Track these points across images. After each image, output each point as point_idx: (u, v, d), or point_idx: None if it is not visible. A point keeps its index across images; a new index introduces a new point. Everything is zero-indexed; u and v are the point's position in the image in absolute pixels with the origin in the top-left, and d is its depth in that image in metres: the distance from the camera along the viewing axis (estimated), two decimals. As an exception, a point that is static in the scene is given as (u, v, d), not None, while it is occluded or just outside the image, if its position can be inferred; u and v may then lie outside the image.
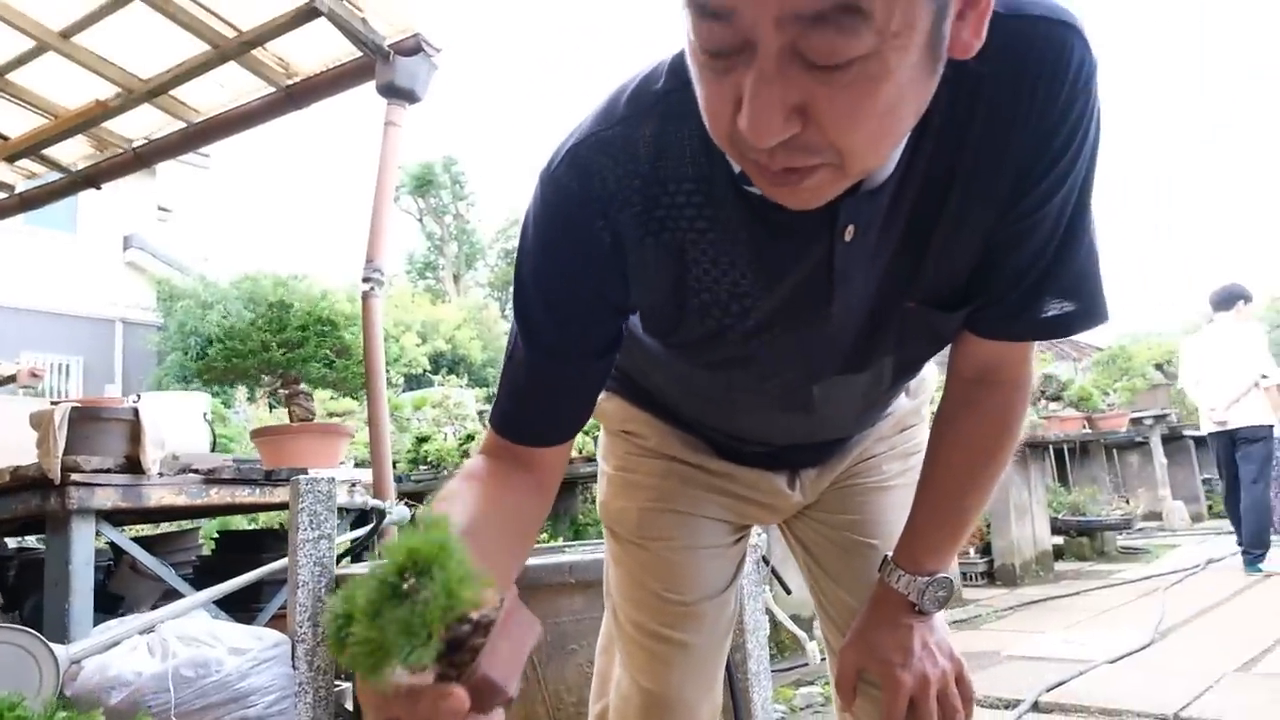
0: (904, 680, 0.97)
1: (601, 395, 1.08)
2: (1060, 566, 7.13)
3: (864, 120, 0.60)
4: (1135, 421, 9.28)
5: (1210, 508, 10.80)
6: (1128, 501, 8.54)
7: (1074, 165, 0.77)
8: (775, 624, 2.91)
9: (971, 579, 6.54)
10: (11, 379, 8.86)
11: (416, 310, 19.13)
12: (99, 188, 4.17)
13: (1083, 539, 7.91)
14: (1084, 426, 8.10)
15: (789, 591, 4.20)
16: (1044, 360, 9.87)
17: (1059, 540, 7.78)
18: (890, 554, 1.02)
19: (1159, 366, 10.60)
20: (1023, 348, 0.93)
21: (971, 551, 6.79)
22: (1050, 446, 8.62)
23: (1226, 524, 7.05)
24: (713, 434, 1.12)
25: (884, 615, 1.01)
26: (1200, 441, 11.07)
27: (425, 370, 16.69)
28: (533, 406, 0.88)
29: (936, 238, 0.80)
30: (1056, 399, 7.97)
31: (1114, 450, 10.15)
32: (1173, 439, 10.33)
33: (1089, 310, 0.85)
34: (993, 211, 0.79)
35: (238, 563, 3.28)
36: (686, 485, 1.15)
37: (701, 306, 0.84)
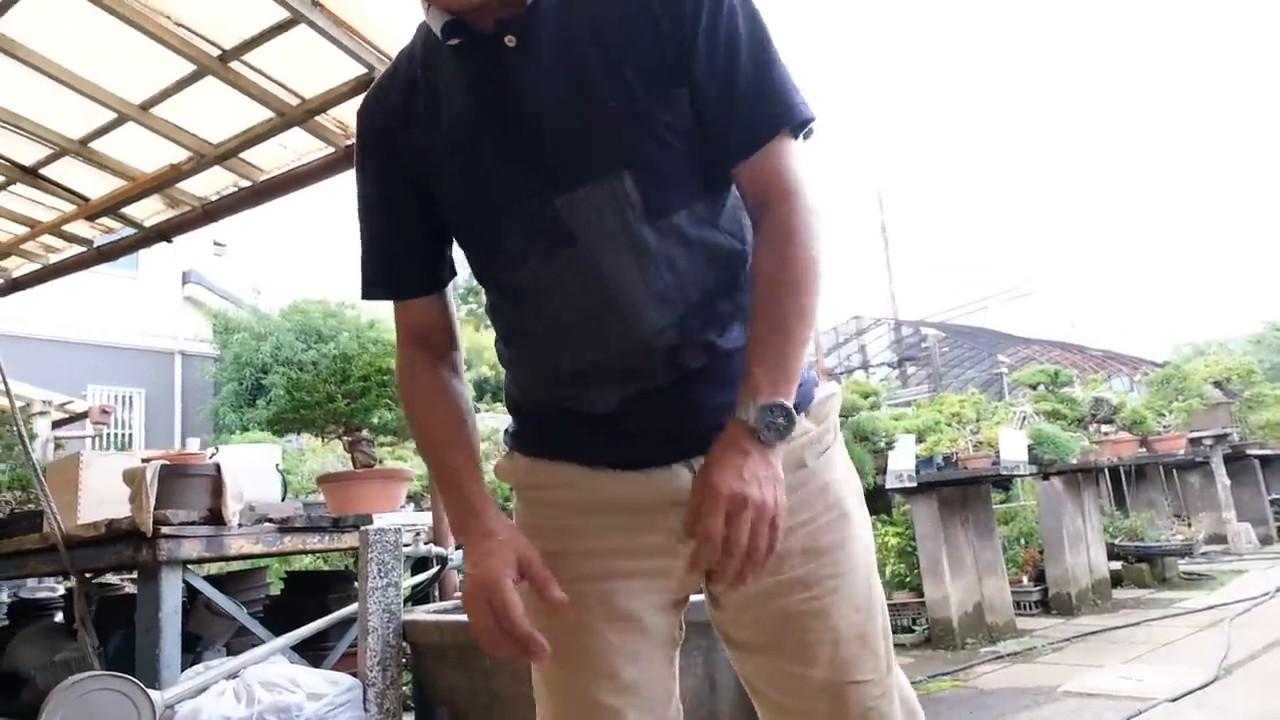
0: (722, 491, 0.96)
1: (502, 455, 1.25)
2: (1119, 594, 7.00)
3: None
4: (1194, 442, 9.05)
5: (1280, 529, 10.48)
6: (1189, 525, 8.34)
7: (719, 16, 1.03)
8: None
9: (1025, 608, 6.46)
10: (84, 415, 9.26)
11: (463, 338, 19.42)
12: (170, 241, 4.38)
13: (1142, 565, 7.74)
14: (1139, 449, 7.95)
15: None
16: (1094, 383, 9.71)
17: (1117, 566, 7.63)
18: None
19: (1218, 384, 10.34)
20: (771, 160, 1.06)
21: (1025, 579, 6.71)
22: (1105, 471, 8.48)
23: (1295, 547, 6.87)
24: (574, 410, 1.13)
25: (726, 443, 1.01)
26: (1267, 461, 10.76)
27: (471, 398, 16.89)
28: (382, 266, 1.20)
29: (606, 55, 1.02)
30: (1109, 421, 7.85)
31: (1173, 472, 9.90)
32: (1236, 458, 10.02)
33: (787, 107, 1.06)
34: (659, 52, 1.03)
35: (306, 603, 3.42)
36: (577, 539, 1.14)
37: (449, 151, 1.09)
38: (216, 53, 3.04)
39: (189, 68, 3.10)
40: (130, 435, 15.66)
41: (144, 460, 2.64)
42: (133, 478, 2.56)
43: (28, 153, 3.76)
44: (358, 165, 1.20)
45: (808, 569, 1.10)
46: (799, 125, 1.07)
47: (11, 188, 3.99)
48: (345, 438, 3.29)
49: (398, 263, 1.19)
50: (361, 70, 3.05)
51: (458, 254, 1.24)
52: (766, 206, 1.07)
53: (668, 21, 1.03)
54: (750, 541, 0.95)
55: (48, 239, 4.52)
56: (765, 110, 1.05)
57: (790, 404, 1.00)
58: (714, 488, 0.97)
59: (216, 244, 18.47)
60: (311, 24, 2.80)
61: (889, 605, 5.00)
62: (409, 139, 1.12)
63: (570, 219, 1.03)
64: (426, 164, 1.12)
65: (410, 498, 4.52)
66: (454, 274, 1.24)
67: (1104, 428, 7.79)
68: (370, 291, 1.21)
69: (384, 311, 14.97)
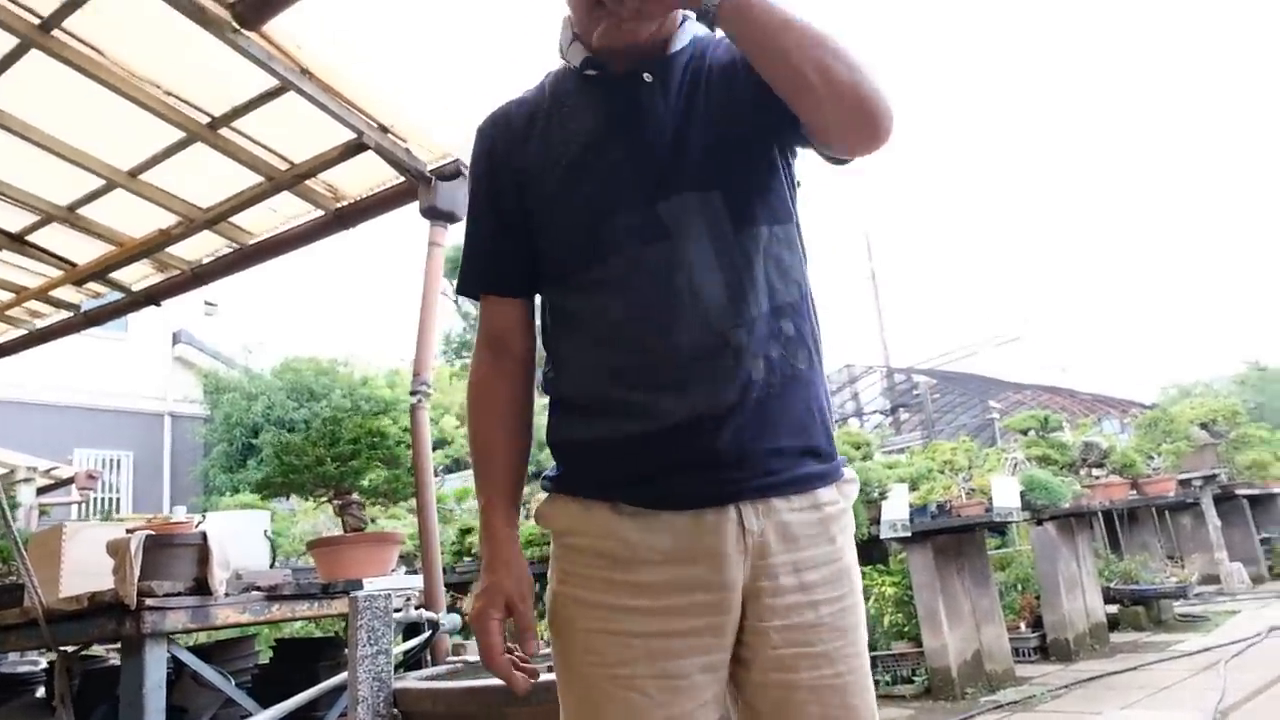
0: None
1: (543, 500, 1.28)
2: (1116, 638, 6.96)
3: None
4: (1184, 484, 9.08)
5: (1271, 568, 10.43)
6: (1182, 566, 8.32)
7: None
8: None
9: (1024, 655, 6.40)
10: (69, 481, 9.15)
11: (455, 392, 19.38)
12: (159, 304, 4.37)
13: (1138, 608, 7.71)
14: (1130, 492, 7.97)
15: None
16: (1083, 427, 9.75)
17: (1113, 610, 7.59)
18: None
19: (1204, 426, 10.39)
20: None
21: (1023, 626, 6.66)
22: (1098, 514, 8.48)
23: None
24: (627, 433, 1.16)
25: None
26: (1256, 500, 10.79)
27: (464, 456, 16.79)
28: (482, 261, 1.33)
29: (717, 103, 1.22)
30: (1099, 465, 7.87)
31: (1165, 513, 9.92)
32: (1225, 498, 10.06)
33: None
34: (727, 85, 1.23)
35: (295, 671, 3.35)
36: (624, 595, 1.14)
37: (566, 158, 1.24)
38: (206, 120, 3.07)
39: (178, 135, 3.13)
40: (118, 499, 15.46)
41: (128, 531, 2.60)
42: (116, 549, 2.52)
43: (15, 220, 3.78)
44: (471, 174, 1.37)
45: (835, 646, 1.16)
46: None
47: (-2, 255, 4.00)
48: (335, 501, 3.26)
49: (496, 261, 1.32)
50: (350, 135, 3.08)
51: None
52: None
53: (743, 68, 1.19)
54: None
55: (34, 304, 4.52)
56: None
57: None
58: None
59: (208, 304, 18.45)
60: (300, 91, 2.84)
61: (888, 656, 4.97)
62: (523, 153, 1.28)
63: (668, 217, 1.17)
64: (541, 172, 1.26)
65: (403, 558, 4.46)
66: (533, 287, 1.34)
67: (1095, 471, 7.81)
68: (469, 285, 1.34)
69: (375, 367, 14.96)
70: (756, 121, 1.21)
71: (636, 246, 1.17)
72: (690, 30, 1.28)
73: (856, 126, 1.11)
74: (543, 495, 1.28)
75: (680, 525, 1.13)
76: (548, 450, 1.29)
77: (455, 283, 1.40)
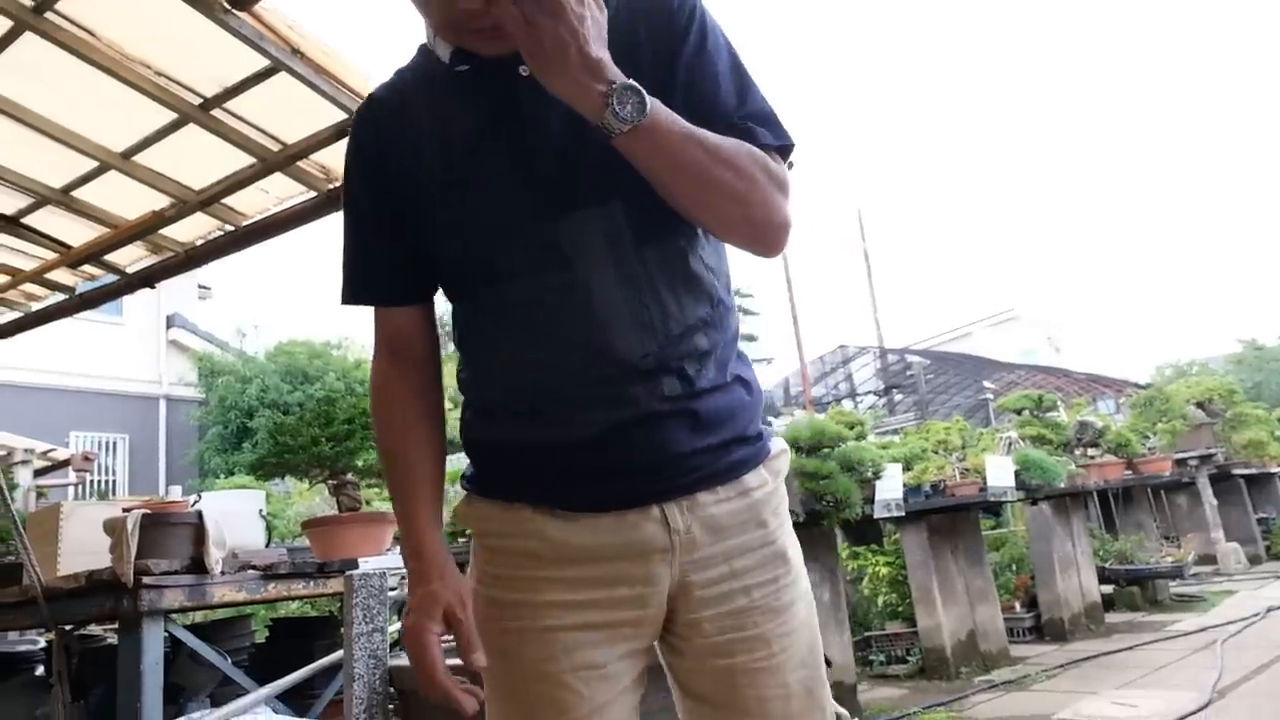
0: None
1: (462, 500, 1.24)
2: (1111, 618, 7.00)
3: None
4: (1179, 463, 9.11)
5: (1269, 548, 10.48)
6: (1178, 546, 8.37)
7: (703, 50, 1.10)
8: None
9: (1018, 635, 6.45)
10: (66, 464, 9.17)
11: (447, 377, 19.35)
12: (153, 287, 4.34)
13: (1133, 588, 7.76)
14: (1126, 471, 8.00)
15: (830, 664, 4.20)
16: (1078, 406, 9.77)
17: (1108, 590, 7.63)
18: None
19: (1200, 405, 10.43)
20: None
21: (1017, 606, 6.70)
22: (1093, 494, 8.52)
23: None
24: (544, 439, 1.12)
25: None
26: (1252, 480, 10.83)
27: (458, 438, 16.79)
28: (366, 271, 1.22)
29: None
30: (1094, 445, 7.89)
31: (1160, 493, 9.96)
32: (1222, 478, 10.09)
33: (773, 128, 1.11)
34: (650, 73, 1.05)
35: (291, 651, 3.38)
36: (545, 592, 1.12)
37: (442, 160, 1.12)
38: (198, 101, 3.05)
39: (170, 116, 3.10)
40: (114, 482, 15.49)
41: (125, 510, 2.61)
42: (114, 528, 2.53)
43: (9, 203, 3.76)
44: (345, 174, 1.23)
45: (767, 627, 1.14)
46: (784, 149, 1.12)
47: (-8, 237, 3.98)
48: (330, 481, 3.27)
49: (384, 268, 1.21)
50: (342, 115, 3.06)
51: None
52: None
53: (660, 54, 1.10)
54: None
55: (29, 287, 4.50)
56: (755, 131, 1.10)
57: (648, 104, 0.97)
58: None
59: (201, 287, 18.43)
60: (292, 71, 2.82)
61: (882, 636, 5.00)
62: (399, 154, 1.15)
63: (566, 241, 1.07)
64: (418, 178, 1.14)
65: (397, 539, 4.47)
66: (437, 288, 1.23)
67: (1090, 451, 7.84)
68: (353, 296, 1.22)
69: (369, 350, 14.95)
70: None
71: (535, 274, 1.09)
72: None
73: (749, 245, 1.13)
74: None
75: (603, 525, 1.10)
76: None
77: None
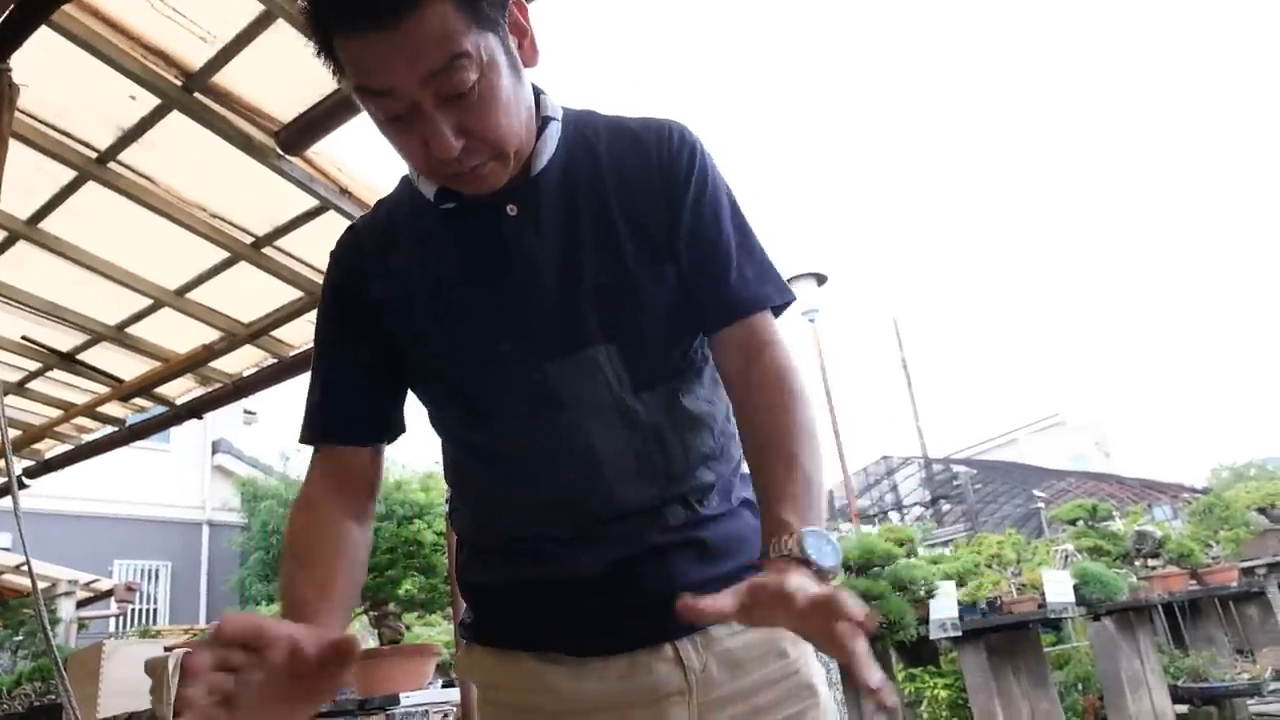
0: (828, 593, 0.82)
1: (461, 648, 1.20)
2: (1189, 741, 6.58)
3: (494, 119, 0.95)
4: (1246, 572, 8.72)
5: (1348, 661, 9.89)
6: (1254, 661, 7.92)
7: (703, 197, 1.10)
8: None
9: (1092, 763, 6.06)
10: (109, 594, 9.19)
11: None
12: (201, 418, 4.45)
13: (1210, 708, 7.30)
14: (1190, 582, 7.66)
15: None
16: (1134, 515, 9.46)
17: (1183, 710, 7.21)
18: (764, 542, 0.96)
19: (1262, 510, 10.04)
20: (750, 324, 1.11)
21: (1088, 731, 6.34)
22: (1158, 607, 8.14)
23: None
24: (546, 580, 1.08)
25: (777, 569, 0.89)
26: (1326, 587, 10.30)
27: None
28: (330, 406, 1.14)
29: (603, 229, 1.07)
30: (1155, 555, 7.59)
31: (1229, 604, 9.49)
32: (1293, 586, 9.63)
33: (774, 284, 1.13)
34: (651, 230, 1.08)
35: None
36: None
37: (428, 296, 1.09)
38: (250, 240, 3.19)
39: (223, 254, 3.24)
40: (155, 610, 15.45)
41: (166, 649, 2.59)
42: (155, 668, 2.50)
43: (66, 340, 3.90)
44: (321, 306, 1.18)
45: None
46: (781, 307, 1.14)
47: (48, 373, 4.12)
48: (371, 612, 3.23)
49: (353, 409, 1.13)
50: (386, 249, 3.18)
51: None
52: (754, 355, 1.09)
53: (660, 201, 1.09)
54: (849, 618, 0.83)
55: (81, 420, 4.62)
56: (753, 287, 1.11)
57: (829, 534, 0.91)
58: (806, 590, 0.83)
59: (247, 413, 18.77)
60: (339, 210, 2.94)
61: (947, 765, 4.66)
62: (383, 288, 1.11)
63: (558, 384, 1.04)
64: (399, 315, 1.10)
65: (439, 668, 4.38)
66: (404, 429, 1.17)
67: (1150, 562, 7.53)
68: (317, 436, 1.13)
69: (409, 470, 15.02)
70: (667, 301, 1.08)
71: (526, 419, 1.06)
72: (553, 137, 1.07)
73: None
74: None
75: (612, 669, 1.05)
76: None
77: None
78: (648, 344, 1.06)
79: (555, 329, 1.04)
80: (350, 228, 1.20)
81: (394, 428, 1.16)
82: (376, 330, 1.11)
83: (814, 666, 1.14)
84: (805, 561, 0.88)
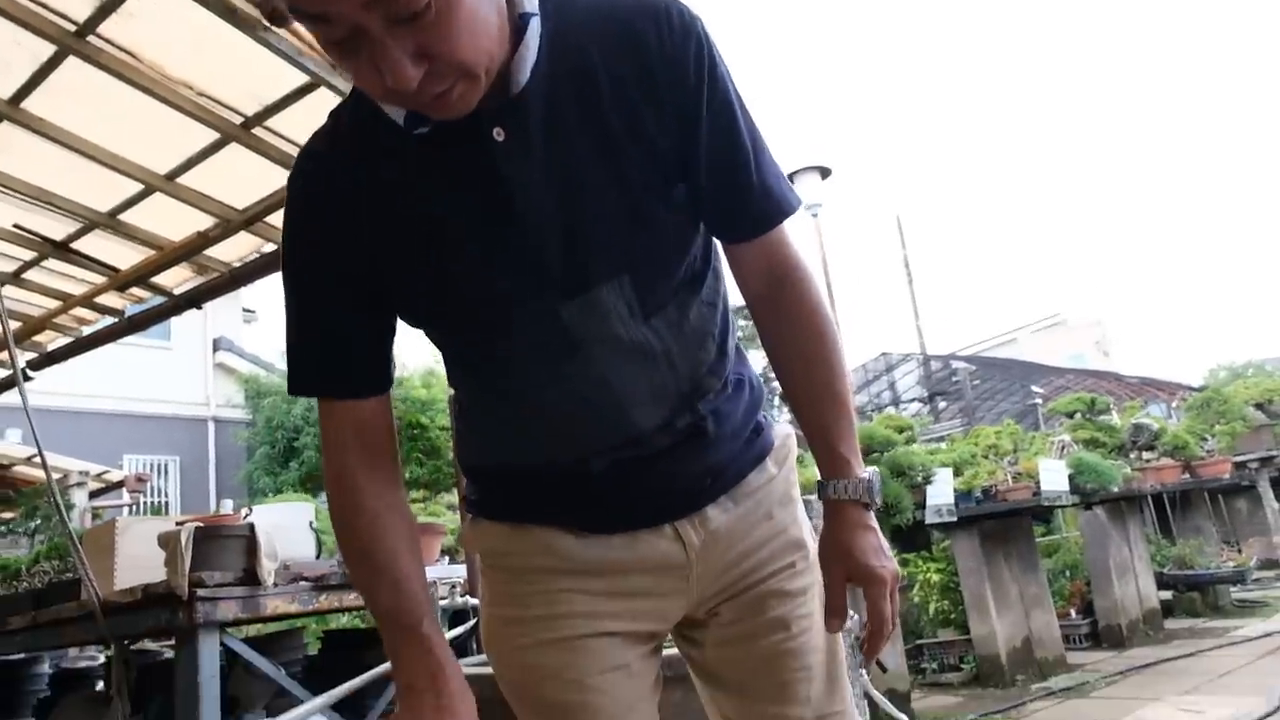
0: (887, 578, 1.08)
1: (467, 522, 1.22)
2: (1171, 624, 6.82)
3: (459, 38, 0.80)
4: (1239, 466, 8.86)
5: (1333, 551, 10.15)
6: (1239, 551, 8.13)
7: (715, 100, 1.00)
8: (873, 707, 2.88)
9: (1075, 642, 6.29)
10: (120, 485, 9.35)
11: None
12: (200, 307, 4.43)
13: (1193, 594, 7.54)
14: (1183, 474, 7.79)
15: (885, 669, 4.13)
16: (1131, 409, 9.55)
17: (1167, 596, 7.44)
18: (821, 476, 1.14)
19: (1259, 406, 10.12)
20: (773, 242, 1.11)
21: (1073, 613, 6.55)
22: (1149, 498, 8.30)
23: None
24: (551, 473, 1.09)
25: (849, 522, 1.10)
26: (1317, 481, 10.48)
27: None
28: (329, 361, 1.04)
29: (604, 149, 0.96)
30: (1150, 448, 7.70)
31: (1219, 497, 9.68)
32: (1284, 480, 9.79)
33: (788, 187, 1.10)
34: (660, 146, 0.98)
35: (343, 662, 3.39)
36: (562, 604, 1.10)
37: (421, 237, 0.98)
38: (239, 120, 3.10)
39: (213, 136, 3.16)
40: (166, 502, 15.79)
41: (178, 524, 2.64)
42: (168, 541, 2.56)
43: (58, 228, 3.85)
44: (291, 243, 1.03)
45: (784, 610, 1.14)
46: (792, 213, 1.12)
47: (43, 263, 4.08)
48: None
49: (349, 357, 1.03)
50: (381, 129, 3.10)
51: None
52: (780, 283, 1.13)
53: (668, 110, 0.98)
54: (893, 607, 1.08)
55: (80, 311, 4.61)
56: (775, 196, 1.08)
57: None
58: (875, 574, 1.07)
59: (246, 310, 18.76)
60: (332, 87, 2.85)
61: (935, 644, 4.92)
62: (367, 219, 0.98)
63: (570, 324, 0.98)
64: (386, 258, 0.99)
65: (445, 551, 4.49)
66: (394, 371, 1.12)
67: (1145, 454, 7.65)
68: (313, 387, 1.05)
69: (411, 368, 15.12)
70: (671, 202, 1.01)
71: (542, 364, 1.01)
72: (534, 41, 0.92)
73: None
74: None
75: (616, 542, 1.09)
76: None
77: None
78: (659, 269, 1.02)
79: (565, 268, 0.97)
80: (310, 153, 1.02)
81: (392, 368, 1.09)
82: (365, 267, 0.99)
83: (802, 525, 1.20)
84: (868, 505, 1.10)
